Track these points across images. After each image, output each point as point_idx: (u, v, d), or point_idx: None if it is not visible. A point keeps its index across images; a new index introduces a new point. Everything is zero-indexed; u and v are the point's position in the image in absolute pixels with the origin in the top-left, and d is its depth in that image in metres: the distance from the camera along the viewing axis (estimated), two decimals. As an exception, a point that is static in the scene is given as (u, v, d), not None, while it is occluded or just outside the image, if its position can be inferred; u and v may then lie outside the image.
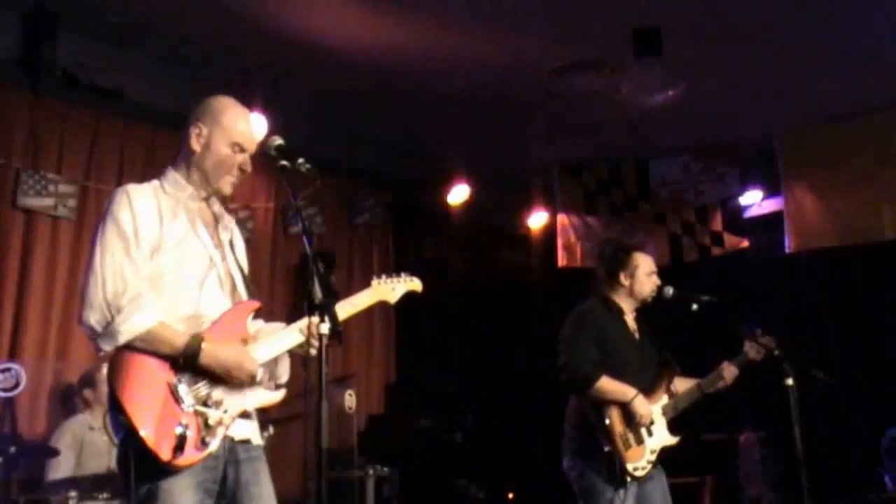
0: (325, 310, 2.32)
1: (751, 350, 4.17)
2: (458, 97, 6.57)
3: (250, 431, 2.64)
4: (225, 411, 2.49)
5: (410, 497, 5.94)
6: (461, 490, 6.54)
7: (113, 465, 4.68)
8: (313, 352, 2.61)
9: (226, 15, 5.50)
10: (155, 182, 2.70)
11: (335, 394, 5.71)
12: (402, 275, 3.03)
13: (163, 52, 5.99)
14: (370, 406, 7.11)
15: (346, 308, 2.83)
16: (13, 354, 5.16)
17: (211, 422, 2.44)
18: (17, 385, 4.62)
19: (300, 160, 2.55)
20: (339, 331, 2.37)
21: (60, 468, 4.69)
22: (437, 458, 6.64)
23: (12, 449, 4.26)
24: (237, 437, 2.56)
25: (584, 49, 5.99)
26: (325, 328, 2.31)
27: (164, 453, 2.34)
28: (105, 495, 4.25)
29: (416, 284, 3.04)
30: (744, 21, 5.64)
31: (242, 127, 2.73)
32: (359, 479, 5.62)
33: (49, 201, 5.47)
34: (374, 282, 2.96)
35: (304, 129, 6.29)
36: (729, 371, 4.15)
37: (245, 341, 2.61)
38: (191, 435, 2.39)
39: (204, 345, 2.47)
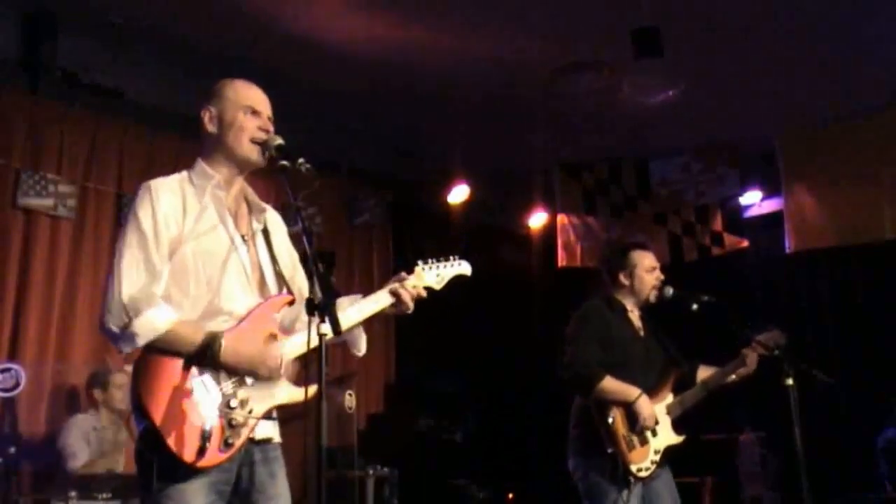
0: (325, 310, 2.27)
1: (758, 347, 4.13)
2: (457, 97, 6.57)
3: (272, 430, 2.60)
4: (250, 411, 2.45)
5: (410, 497, 5.93)
6: (461, 490, 6.53)
7: (112, 465, 4.71)
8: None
9: (225, 15, 5.51)
10: (183, 173, 2.65)
11: (335, 394, 5.69)
12: (451, 258, 2.92)
13: (163, 52, 5.98)
14: (370, 406, 7.11)
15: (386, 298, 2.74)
16: (13, 354, 5.17)
17: (234, 423, 2.41)
18: (17, 385, 4.62)
19: (300, 160, 2.51)
20: (339, 330, 2.33)
21: (77, 459, 4.72)
22: (437, 458, 6.63)
23: (13, 449, 4.26)
24: (258, 437, 2.52)
25: (585, 49, 5.99)
26: (326, 328, 2.26)
27: (187, 455, 2.32)
28: (105, 495, 4.24)
29: (465, 269, 2.92)
30: (744, 21, 5.64)
31: (248, 92, 2.70)
32: (359, 479, 5.62)
33: (49, 201, 5.47)
34: (419, 267, 2.85)
35: (303, 129, 6.27)
36: (751, 356, 4.05)
37: (274, 337, 2.55)
38: (214, 436, 2.36)
39: (224, 342, 2.42)
